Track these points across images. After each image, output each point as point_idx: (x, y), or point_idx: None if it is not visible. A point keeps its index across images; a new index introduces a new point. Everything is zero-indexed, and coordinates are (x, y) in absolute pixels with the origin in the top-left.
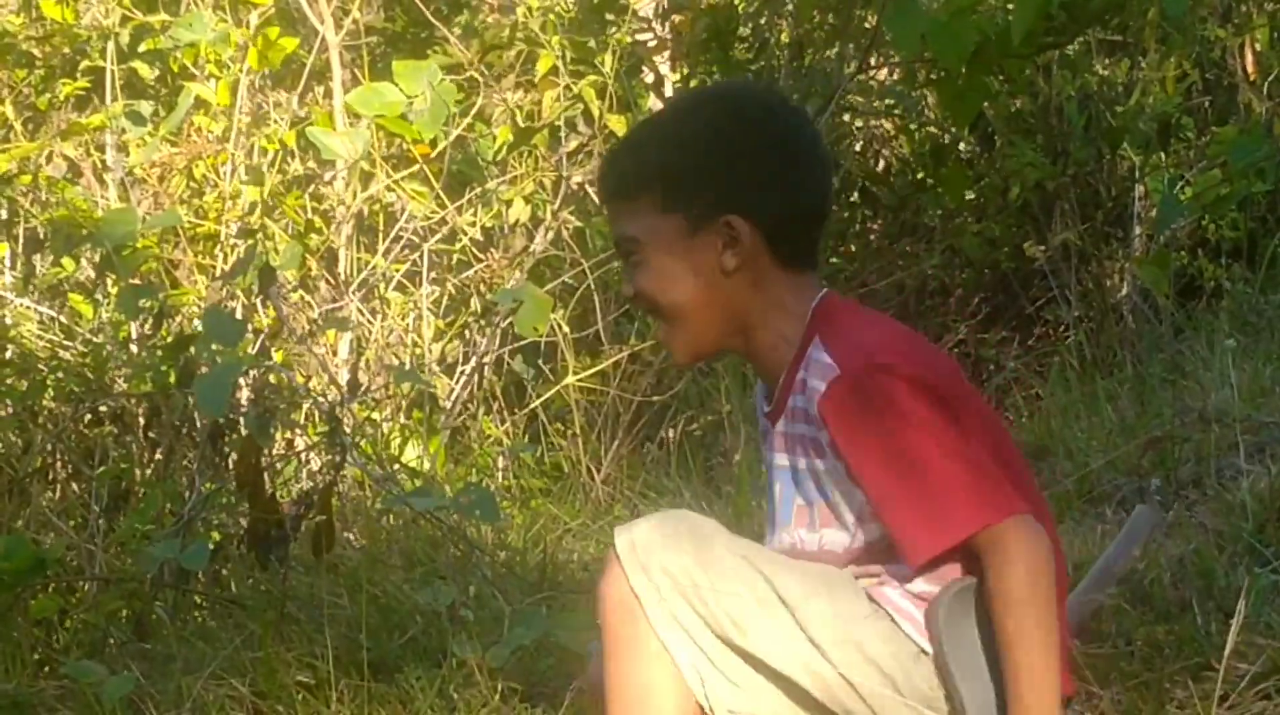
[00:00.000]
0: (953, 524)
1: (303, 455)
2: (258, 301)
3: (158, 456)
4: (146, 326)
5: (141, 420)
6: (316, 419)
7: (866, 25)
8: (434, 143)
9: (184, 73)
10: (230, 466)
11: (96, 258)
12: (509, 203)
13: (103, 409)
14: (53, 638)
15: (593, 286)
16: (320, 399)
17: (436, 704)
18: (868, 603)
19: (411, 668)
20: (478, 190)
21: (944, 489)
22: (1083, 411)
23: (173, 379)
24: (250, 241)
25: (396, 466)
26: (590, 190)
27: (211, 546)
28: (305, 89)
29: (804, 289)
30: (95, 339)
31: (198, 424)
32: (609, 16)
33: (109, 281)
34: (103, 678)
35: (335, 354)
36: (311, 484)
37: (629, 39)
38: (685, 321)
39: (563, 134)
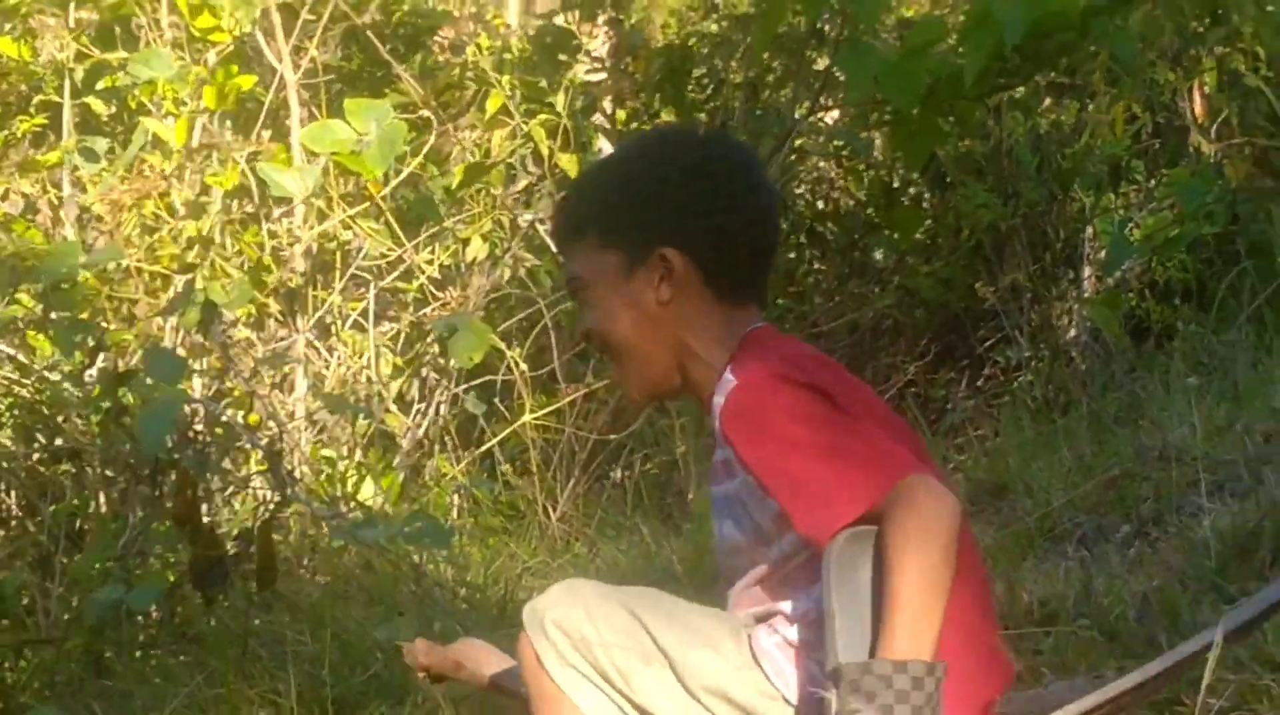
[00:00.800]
0: (855, 495)
1: (255, 492)
2: (200, 338)
3: (112, 494)
4: (80, 364)
5: (96, 457)
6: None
7: (818, 67)
8: (386, 179)
9: (141, 109)
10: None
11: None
12: (466, 241)
13: (58, 443)
14: (5, 677)
15: (548, 325)
16: (259, 436)
17: None
18: (746, 652)
19: (375, 704)
20: (434, 229)
21: (841, 466)
22: (1039, 450)
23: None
24: (190, 277)
25: (348, 502)
26: (542, 229)
27: (168, 584)
28: (263, 127)
29: (739, 323)
30: (50, 376)
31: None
32: (562, 57)
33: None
34: None
35: (292, 391)
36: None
37: (581, 79)
38: (631, 356)
39: (516, 173)
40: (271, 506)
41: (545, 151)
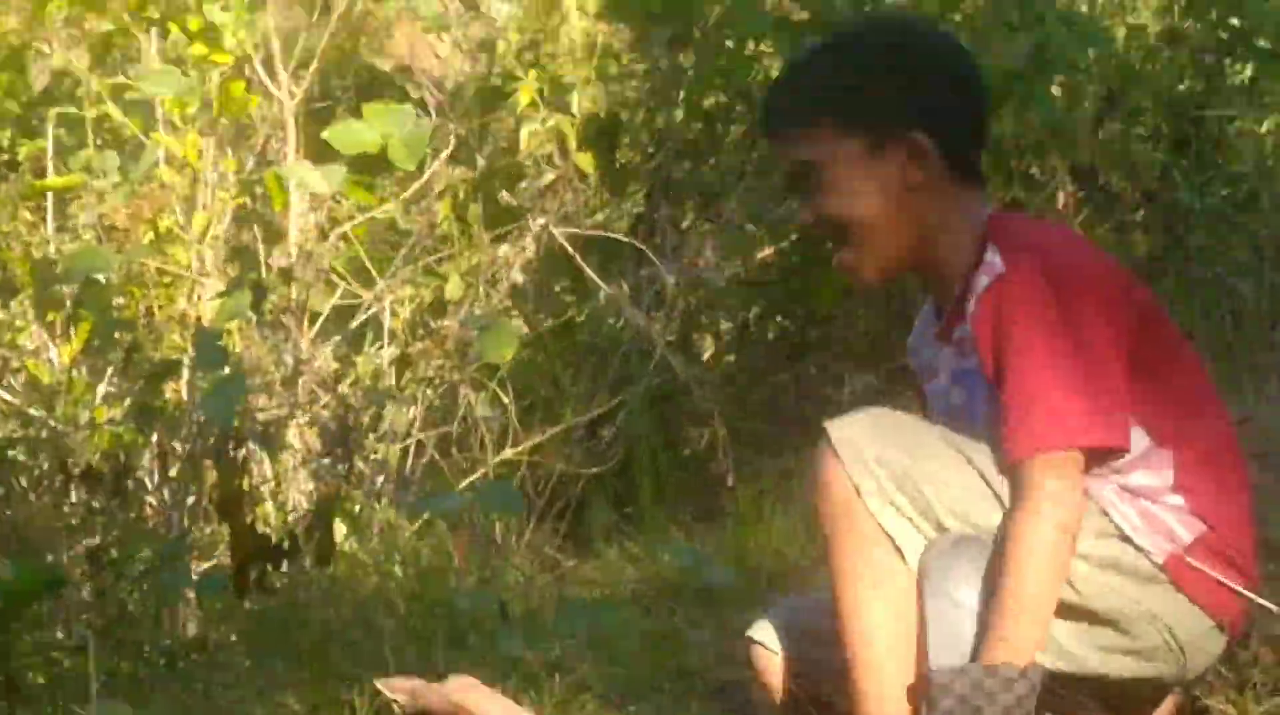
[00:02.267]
0: (1023, 437)
1: (290, 478)
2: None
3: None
4: (118, 363)
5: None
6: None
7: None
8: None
9: (147, 126)
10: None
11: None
12: (445, 278)
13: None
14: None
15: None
16: (322, 412)
17: None
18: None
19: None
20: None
21: (1031, 397)
22: None
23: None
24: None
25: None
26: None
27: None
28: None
29: (977, 203)
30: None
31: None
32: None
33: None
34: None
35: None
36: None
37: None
38: (872, 238)
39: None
40: (339, 479)
41: (574, 144)
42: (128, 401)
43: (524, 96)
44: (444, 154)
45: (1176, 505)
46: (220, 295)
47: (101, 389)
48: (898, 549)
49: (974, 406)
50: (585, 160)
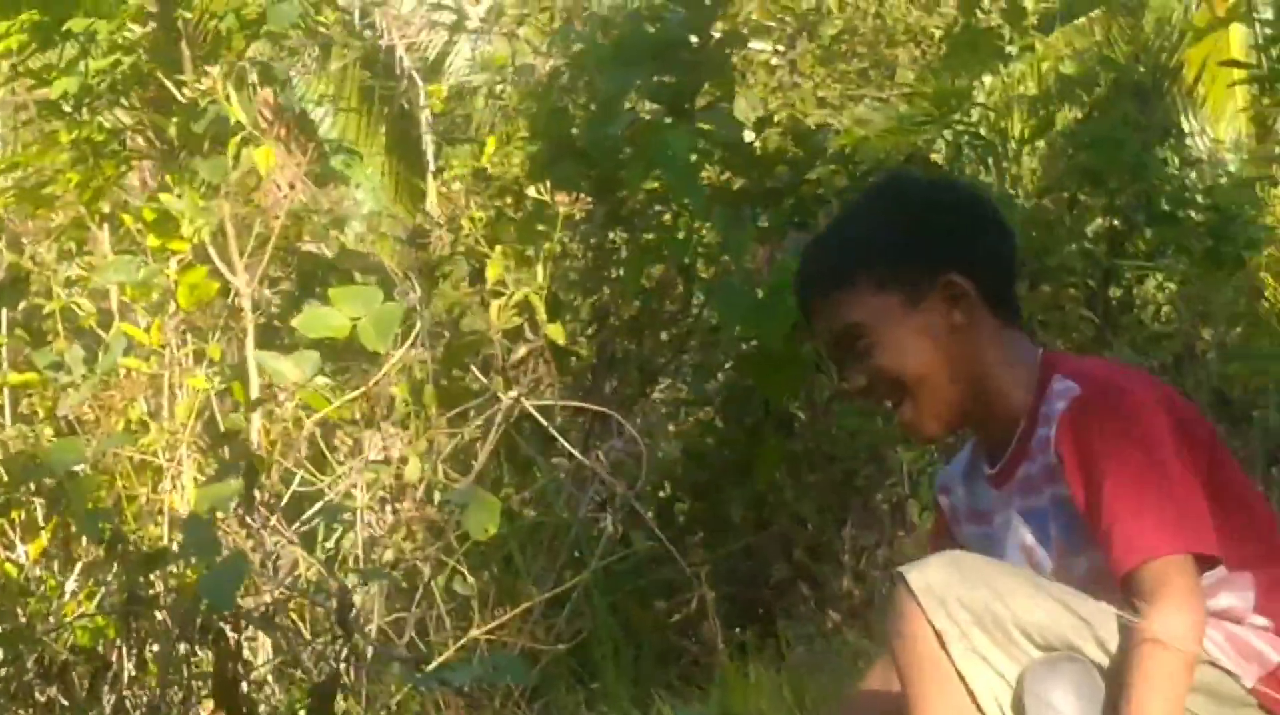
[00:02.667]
0: (1137, 545)
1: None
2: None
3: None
4: (99, 553)
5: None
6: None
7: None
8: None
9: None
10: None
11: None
12: (405, 460)
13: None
14: None
15: None
16: (324, 591)
17: None
18: None
19: None
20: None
21: (1138, 508)
22: None
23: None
24: (236, 449)
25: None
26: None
27: None
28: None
29: (1023, 339)
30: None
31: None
32: (540, 227)
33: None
34: None
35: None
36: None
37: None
38: (928, 388)
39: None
40: (340, 660)
41: (543, 317)
42: (102, 593)
43: (492, 271)
44: (416, 332)
45: (1262, 626)
46: (209, 481)
47: (70, 585)
48: (972, 694)
49: (1046, 543)
50: (556, 331)
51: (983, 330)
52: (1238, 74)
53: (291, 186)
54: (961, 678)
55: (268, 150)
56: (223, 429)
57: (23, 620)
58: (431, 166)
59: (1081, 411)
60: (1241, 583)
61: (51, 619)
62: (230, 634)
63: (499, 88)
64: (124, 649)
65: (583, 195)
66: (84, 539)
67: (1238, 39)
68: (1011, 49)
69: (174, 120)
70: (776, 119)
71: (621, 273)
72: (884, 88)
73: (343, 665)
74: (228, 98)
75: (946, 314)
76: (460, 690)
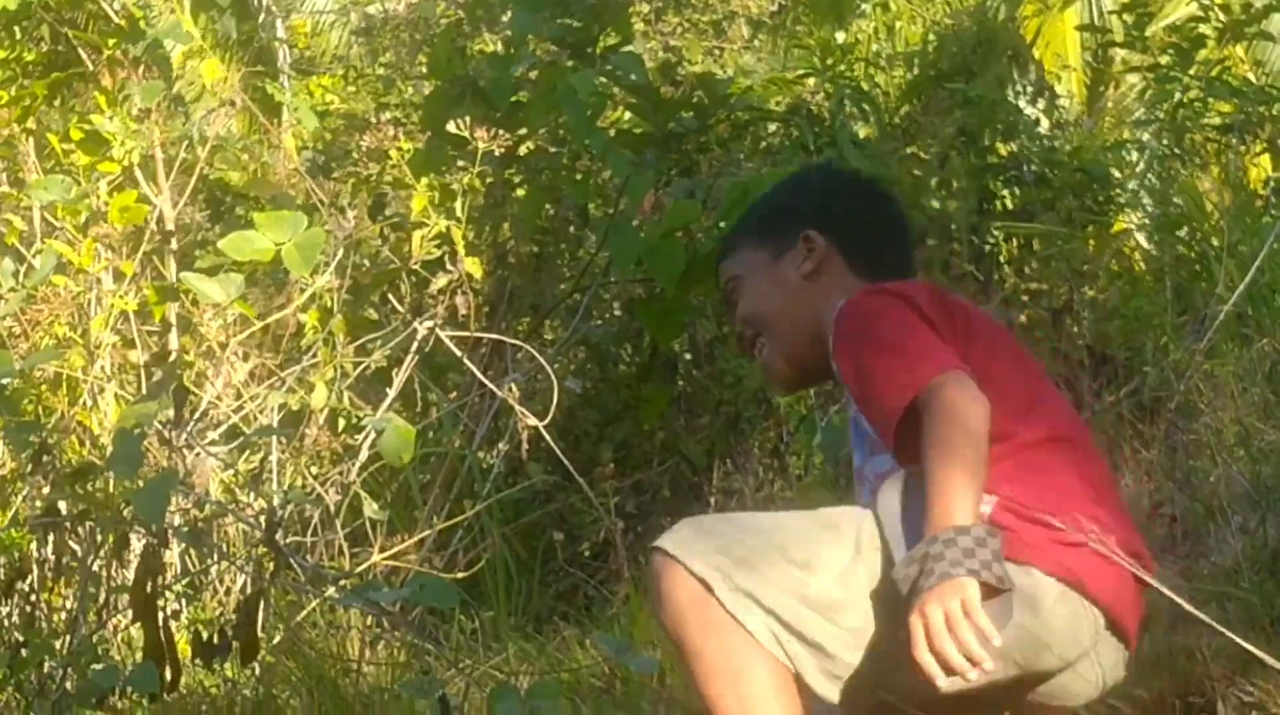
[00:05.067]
0: (891, 403)
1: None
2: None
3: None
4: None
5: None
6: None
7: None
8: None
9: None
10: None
11: None
12: (311, 387)
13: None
14: None
15: None
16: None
17: None
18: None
19: None
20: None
21: (885, 373)
22: None
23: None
24: (169, 366)
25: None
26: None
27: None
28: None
29: None
30: None
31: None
32: (461, 163)
33: None
34: None
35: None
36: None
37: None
38: (776, 329)
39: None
40: (266, 576)
41: (461, 250)
42: (19, 504)
43: (417, 203)
44: (336, 257)
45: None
46: (139, 400)
47: None
48: (750, 633)
49: (860, 446)
50: (474, 265)
51: (836, 282)
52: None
53: (232, 103)
54: (734, 618)
55: (213, 63)
56: (141, 349)
57: None
58: (288, 103)
59: (836, 320)
60: None
61: None
62: (154, 548)
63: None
64: (41, 561)
65: (500, 132)
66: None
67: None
68: (865, 6)
69: (110, 42)
70: (678, 65)
71: (518, 211)
72: (734, 40)
73: (266, 582)
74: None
75: (799, 264)
76: (382, 611)
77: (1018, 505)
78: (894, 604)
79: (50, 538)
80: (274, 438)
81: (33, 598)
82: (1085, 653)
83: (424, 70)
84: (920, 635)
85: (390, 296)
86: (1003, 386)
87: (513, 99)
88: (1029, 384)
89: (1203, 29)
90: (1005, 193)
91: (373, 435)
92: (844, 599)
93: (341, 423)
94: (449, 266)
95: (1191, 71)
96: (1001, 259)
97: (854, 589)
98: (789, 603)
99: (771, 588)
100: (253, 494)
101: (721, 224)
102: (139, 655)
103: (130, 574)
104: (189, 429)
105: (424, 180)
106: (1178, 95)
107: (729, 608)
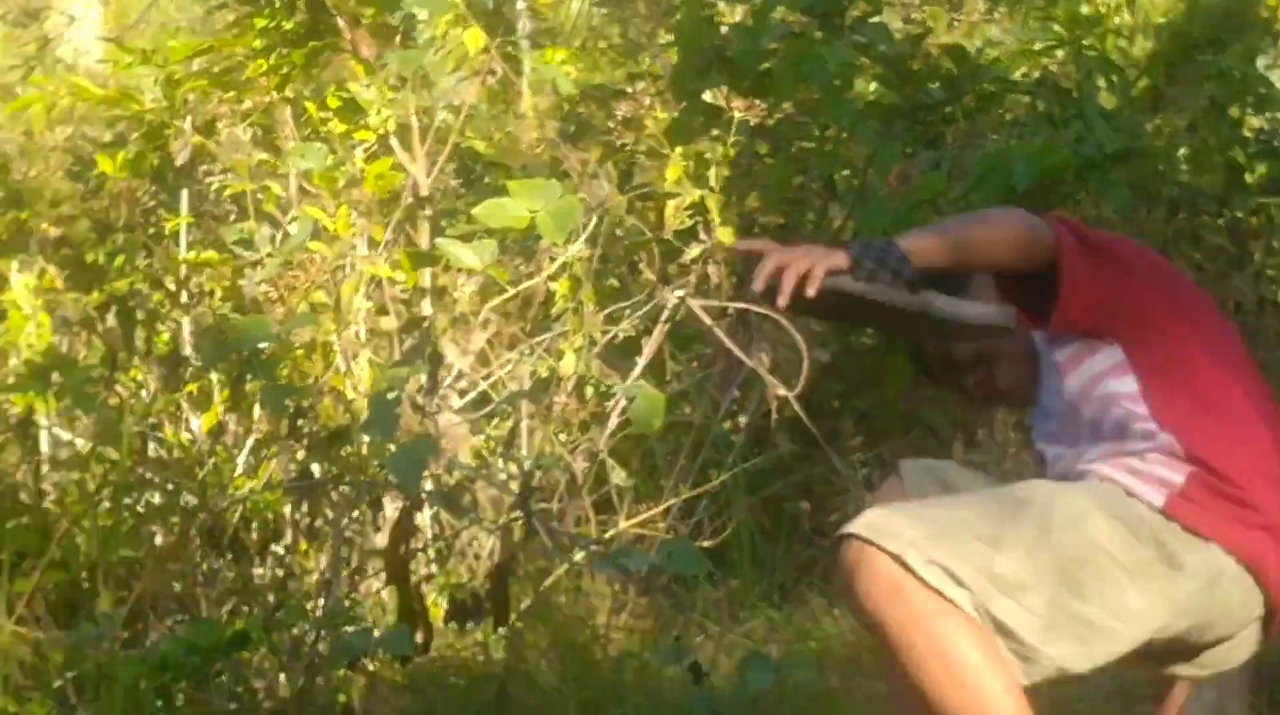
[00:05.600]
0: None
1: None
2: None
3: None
4: (282, 430)
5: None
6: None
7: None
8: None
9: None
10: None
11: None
12: (560, 355)
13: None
14: None
15: None
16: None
17: None
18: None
19: None
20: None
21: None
22: None
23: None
24: (423, 331)
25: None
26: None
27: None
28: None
29: None
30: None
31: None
32: (715, 131)
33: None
34: None
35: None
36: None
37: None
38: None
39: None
40: (517, 540)
41: (716, 219)
42: (273, 468)
43: (672, 172)
44: (588, 227)
45: (1159, 447)
46: (395, 365)
47: (241, 459)
48: (951, 601)
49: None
50: (727, 235)
51: None
52: None
53: (492, 72)
54: (934, 590)
55: (475, 31)
56: (393, 315)
57: (192, 495)
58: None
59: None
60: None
61: (225, 491)
62: (409, 512)
63: None
64: (295, 524)
65: (758, 103)
66: (256, 415)
67: None
68: None
69: (368, 11)
70: (926, 36)
71: (766, 181)
72: (971, 13)
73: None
74: None
75: None
76: (632, 576)
77: (1214, 480)
78: (1079, 583)
79: (304, 501)
80: (523, 404)
81: (286, 560)
82: (1236, 633)
83: (668, 40)
84: (784, 254)
85: (639, 265)
86: (1220, 357)
87: (760, 69)
88: (1242, 362)
89: None
90: (1258, 167)
91: (622, 402)
92: (1030, 578)
93: (589, 391)
94: (702, 236)
95: None
96: (1252, 234)
97: (1040, 567)
98: (979, 579)
99: (965, 565)
100: (503, 460)
101: (969, 197)
102: (391, 618)
103: (382, 538)
104: (439, 394)
105: (678, 149)
106: None
107: (928, 580)
